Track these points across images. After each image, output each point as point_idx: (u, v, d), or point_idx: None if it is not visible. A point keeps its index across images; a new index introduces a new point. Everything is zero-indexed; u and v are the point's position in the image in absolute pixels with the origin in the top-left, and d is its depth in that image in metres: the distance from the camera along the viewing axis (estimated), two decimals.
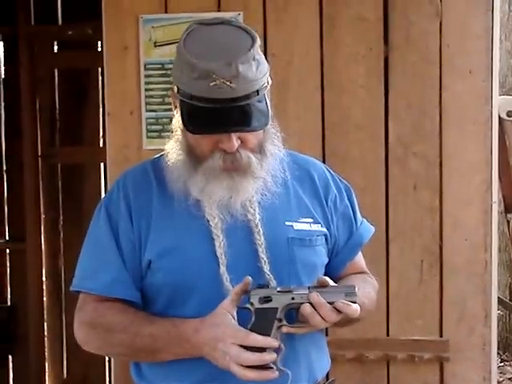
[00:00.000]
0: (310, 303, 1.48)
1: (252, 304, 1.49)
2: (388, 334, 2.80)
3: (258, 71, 1.52)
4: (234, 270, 1.57)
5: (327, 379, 1.73)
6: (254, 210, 1.61)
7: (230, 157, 1.54)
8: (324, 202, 1.74)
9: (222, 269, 1.56)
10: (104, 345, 1.61)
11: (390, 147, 2.77)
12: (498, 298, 3.10)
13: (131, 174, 1.70)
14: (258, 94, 1.51)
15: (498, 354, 4.35)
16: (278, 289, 1.51)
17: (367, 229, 1.84)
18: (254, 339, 1.44)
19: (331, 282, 1.53)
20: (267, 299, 1.48)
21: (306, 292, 1.49)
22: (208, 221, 1.59)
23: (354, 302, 1.47)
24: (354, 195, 1.81)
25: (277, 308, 1.48)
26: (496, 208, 2.76)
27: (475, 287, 2.76)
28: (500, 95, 3.04)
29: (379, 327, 2.79)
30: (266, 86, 1.56)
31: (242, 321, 1.50)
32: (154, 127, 2.75)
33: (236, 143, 1.53)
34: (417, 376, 2.79)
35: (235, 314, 1.50)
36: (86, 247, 1.70)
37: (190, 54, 1.51)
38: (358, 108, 2.77)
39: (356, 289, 1.49)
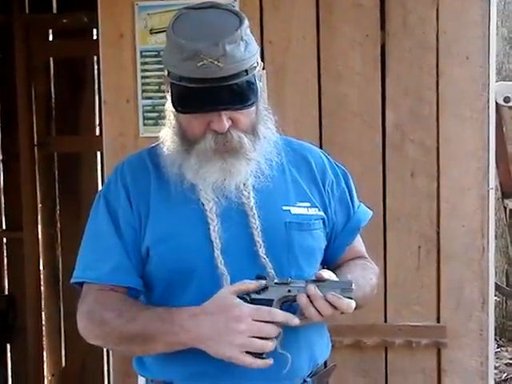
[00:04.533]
0: (308, 296, 1.48)
1: (248, 294, 1.49)
2: (386, 320, 2.81)
3: (247, 51, 1.52)
4: (228, 254, 1.57)
5: (325, 366, 1.73)
6: (249, 194, 1.62)
7: (222, 137, 1.55)
8: (321, 187, 1.74)
9: (217, 252, 1.57)
10: (101, 335, 1.60)
11: (387, 134, 2.76)
12: (495, 283, 3.11)
13: (128, 163, 1.71)
14: (247, 74, 1.52)
15: (495, 339, 4.36)
16: (276, 280, 1.51)
17: (365, 212, 1.84)
18: (276, 313, 1.45)
19: (331, 277, 1.53)
20: (264, 290, 1.49)
21: (303, 285, 1.49)
22: (203, 204, 1.60)
23: (351, 298, 1.47)
24: (350, 180, 1.82)
25: (272, 300, 1.48)
26: (493, 194, 2.75)
27: (472, 273, 2.77)
28: (497, 81, 3.08)
29: (377, 313, 2.79)
30: (256, 67, 1.56)
31: None
32: (150, 115, 2.76)
33: (227, 123, 1.54)
34: (414, 362, 2.80)
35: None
36: (86, 238, 1.70)
37: (178, 36, 1.52)
38: (354, 95, 2.76)
39: (353, 285, 1.48)
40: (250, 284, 1.49)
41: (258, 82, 1.57)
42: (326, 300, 1.46)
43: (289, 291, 1.48)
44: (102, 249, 1.64)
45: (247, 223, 1.60)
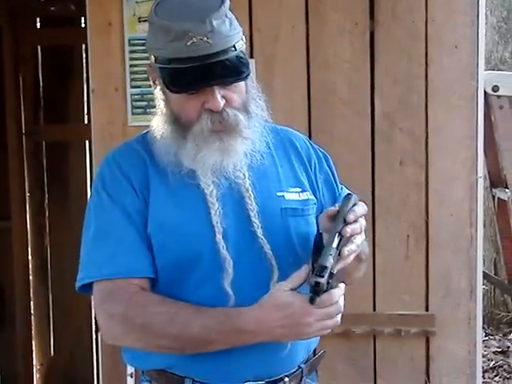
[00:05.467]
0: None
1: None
2: (375, 309, 2.82)
3: (232, 27, 1.54)
4: (229, 237, 1.57)
5: (315, 353, 1.74)
6: (244, 175, 1.61)
7: (217, 116, 1.54)
8: (309, 170, 1.74)
9: (218, 237, 1.56)
10: (145, 338, 1.54)
11: (376, 123, 2.77)
12: (484, 272, 3.14)
13: (119, 152, 1.68)
14: (235, 50, 1.52)
15: (483, 328, 4.37)
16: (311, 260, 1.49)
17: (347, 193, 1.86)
18: (334, 293, 1.45)
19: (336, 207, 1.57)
20: (319, 271, 1.44)
21: (336, 238, 1.48)
22: (203, 189, 1.59)
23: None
24: (331, 162, 1.82)
25: (332, 272, 1.45)
26: (481, 183, 2.77)
27: (461, 262, 2.78)
28: (485, 70, 3.08)
29: (366, 302, 2.80)
30: (243, 44, 1.57)
31: None
32: (139, 103, 2.75)
33: (221, 101, 1.53)
34: (403, 350, 2.81)
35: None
36: (92, 237, 1.61)
37: (162, 19, 1.52)
38: (343, 83, 2.76)
39: (353, 196, 1.55)
40: (301, 274, 1.49)
41: (247, 56, 1.57)
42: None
43: (331, 254, 1.45)
44: (116, 243, 1.58)
45: (244, 204, 1.60)
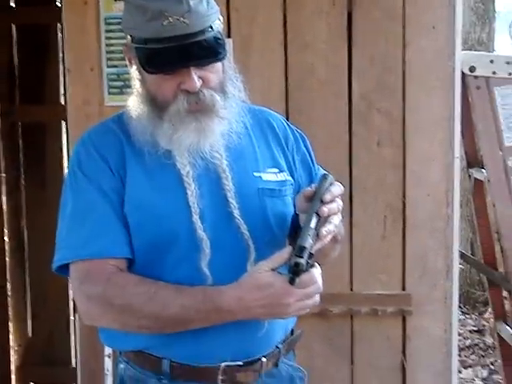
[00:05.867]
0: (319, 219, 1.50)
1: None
2: (352, 289, 2.83)
3: (209, 7, 1.53)
4: (205, 218, 1.58)
5: (292, 334, 1.75)
6: (221, 155, 1.61)
7: (194, 97, 1.54)
8: (286, 150, 1.75)
9: (195, 217, 1.56)
10: (124, 318, 1.54)
11: (354, 103, 2.77)
12: (460, 252, 3.10)
13: (95, 132, 1.67)
14: (212, 30, 1.52)
15: (459, 307, 4.40)
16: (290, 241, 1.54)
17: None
18: (315, 274, 1.47)
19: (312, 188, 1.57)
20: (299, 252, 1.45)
21: (314, 219, 1.48)
22: (179, 169, 1.59)
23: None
24: (308, 142, 1.83)
25: (310, 248, 1.46)
26: (458, 163, 2.78)
27: (437, 242, 2.80)
28: (463, 51, 3.06)
29: (343, 282, 2.82)
30: (220, 24, 1.57)
31: None
32: (115, 83, 2.73)
33: (198, 82, 1.53)
34: (380, 329, 2.83)
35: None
36: (69, 218, 1.60)
37: None
38: (321, 64, 2.76)
39: (329, 176, 1.57)
40: (283, 255, 1.48)
41: (224, 37, 1.57)
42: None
43: (309, 235, 1.46)
44: (93, 223, 1.57)
45: (221, 185, 1.60)
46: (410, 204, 2.80)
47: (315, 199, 1.51)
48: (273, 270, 1.48)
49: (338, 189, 1.56)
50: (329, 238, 1.51)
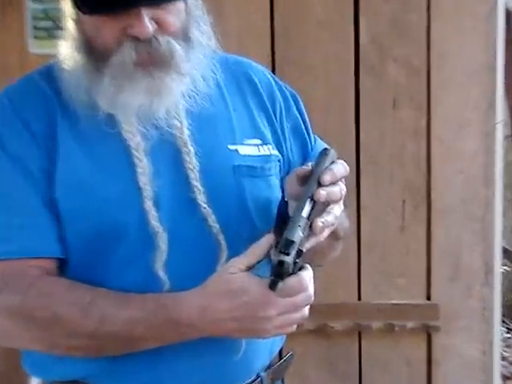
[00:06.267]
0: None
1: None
2: (360, 298, 2.84)
3: None
4: (161, 204, 1.56)
5: (280, 356, 1.74)
6: (181, 123, 1.60)
7: (145, 45, 1.51)
8: (272, 115, 1.73)
9: (148, 203, 1.55)
10: (50, 337, 1.52)
11: (362, 51, 2.77)
12: (503, 248, 3.17)
13: (13, 91, 1.64)
14: None
15: (503, 321, 4.38)
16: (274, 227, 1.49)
17: (322, 147, 1.75)
18: (305, 278, 1.45)
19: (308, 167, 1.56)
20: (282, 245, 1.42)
21: (307, 203, 1.46)
22: (126, 140, 1.57)
23: None
24: (302, 105, 1.81)
25: (299, 244, 1.43)
26: (501, 131, 2.79)
27: (473, 234, 2.80)
28: None
29: (348, 288, 2.81)
30: None
31: None
32: (42, 24, 2.72)
33: (150, 26, 1.50)
34: (397, 351, 2.85)
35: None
36: None
37: None
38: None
39: (331, 150, 1.55)
40: (261, 247, 1.47)
41: None
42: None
43: (300, 226, 1.43)
44: (13, 213, 1.55)
45: (181, 162, 1.59)
46: (436, 184, 2.80)
47: (311, 181, 1.49)
48: (249, 268, 1.46)
49: (341, 168, 1.53)
50: (326, 232, 1.49)
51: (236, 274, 1.46)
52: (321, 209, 1.48)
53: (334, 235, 1.58)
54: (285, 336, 1.72)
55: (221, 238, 1.58)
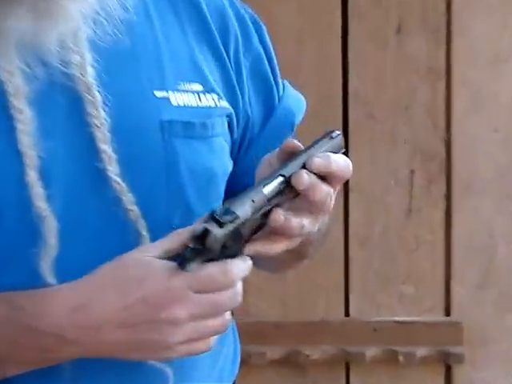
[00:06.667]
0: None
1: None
2: (347, 313, 2.73)
3: None
4: (53, 177, 1.43)
5: None
6: (83, 59, 1.46)
7: None
8: (223, 51, 1.63)
9: (31, 175, 1.42)
10: None
11: None
12: None
13: None
14: None
15: None
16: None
17: (296, 98, 1.73)
18: (233, 266, 1.37)
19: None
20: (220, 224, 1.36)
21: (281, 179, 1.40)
22: (1, 83, 1.43)
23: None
24: (267, 37, 1.69)
25: (243, 223, 1.39)
26: None
27: (510, 220, 2.64)
28: None
29: (331, 300, 2.70)
30: None
31: None
32: None
33: None
34: None
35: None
36: None
37: None
38: None
39: (339, 135, 1.45)
40: (183, 232, 1.39)
41: None
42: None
43: (253, 201, 1.38)
44: None
45: (83, 116, 1.47)
46: (459, 147, 2.66)
47: (294, 159, 1.41)
48: (169, 257, 1.34)
49: (342, 163, 1.40)
50: (295, 233, 1.39)
51: (136, 260, 1.38)
52: (292, 193, 1.39)
53: (306, 240, 1.48)
54: (237, 365, 1.67)
55: (141, 225, 1.47)
